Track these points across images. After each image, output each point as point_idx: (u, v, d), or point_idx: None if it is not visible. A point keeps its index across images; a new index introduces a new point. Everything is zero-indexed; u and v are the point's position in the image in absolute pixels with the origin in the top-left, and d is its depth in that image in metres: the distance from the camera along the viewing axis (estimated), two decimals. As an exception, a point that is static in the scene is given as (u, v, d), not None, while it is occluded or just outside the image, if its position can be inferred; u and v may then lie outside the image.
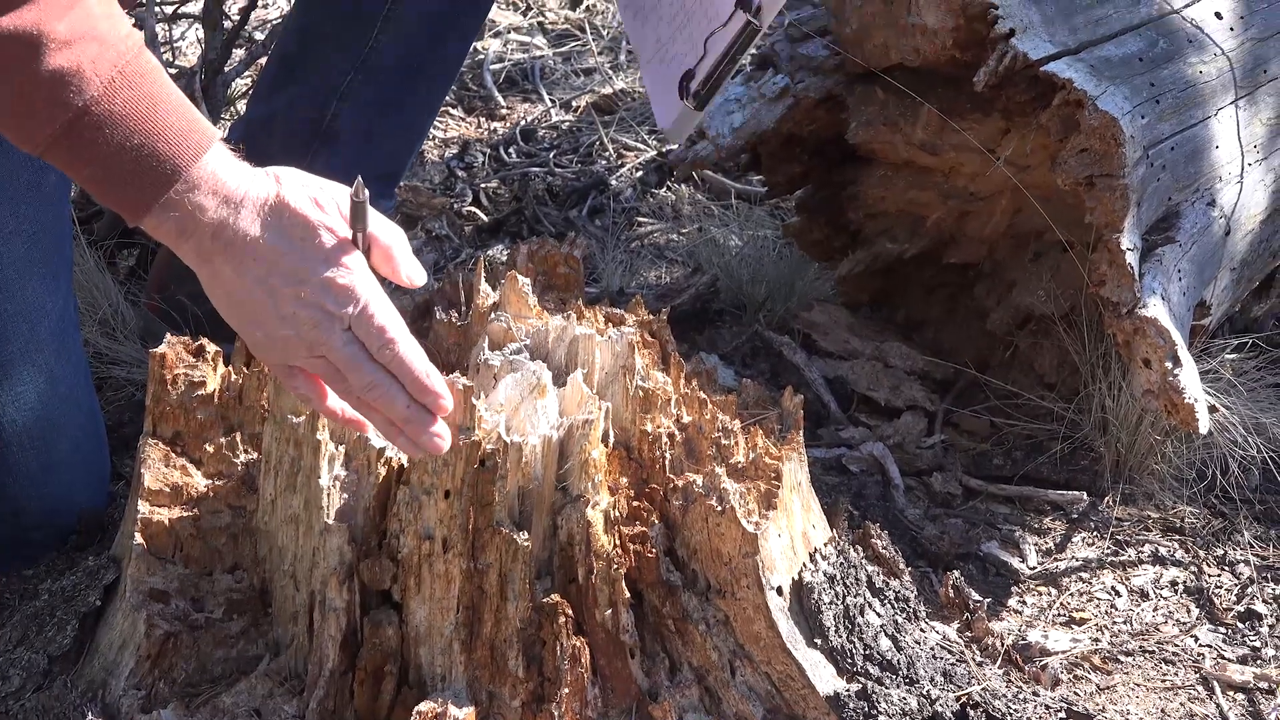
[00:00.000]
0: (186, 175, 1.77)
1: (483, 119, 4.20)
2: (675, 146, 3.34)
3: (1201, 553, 2.68)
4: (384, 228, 1.86)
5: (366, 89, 2.83)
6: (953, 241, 2.99)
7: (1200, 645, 2.49)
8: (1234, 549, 2.68)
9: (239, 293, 1.81)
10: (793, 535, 2.12)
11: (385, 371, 1.82)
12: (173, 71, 3.88)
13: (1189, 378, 2.49)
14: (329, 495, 1.95)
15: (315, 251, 1.82)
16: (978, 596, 2.44)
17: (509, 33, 4.62)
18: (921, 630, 2.25)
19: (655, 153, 3.96)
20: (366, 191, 1.84)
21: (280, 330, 1.81)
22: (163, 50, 4.00)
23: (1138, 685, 2.40)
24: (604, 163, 3.95)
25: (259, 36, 4.00)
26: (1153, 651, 2.47)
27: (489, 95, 4.27)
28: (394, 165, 3.00)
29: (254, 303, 1.81)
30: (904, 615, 2.23)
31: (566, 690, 1.94)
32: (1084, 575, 2.63)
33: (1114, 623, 2.53)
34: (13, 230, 2.29)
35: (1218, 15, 2.81)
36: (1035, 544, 2.69)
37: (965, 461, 2.87)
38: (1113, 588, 2.61)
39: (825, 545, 2.19)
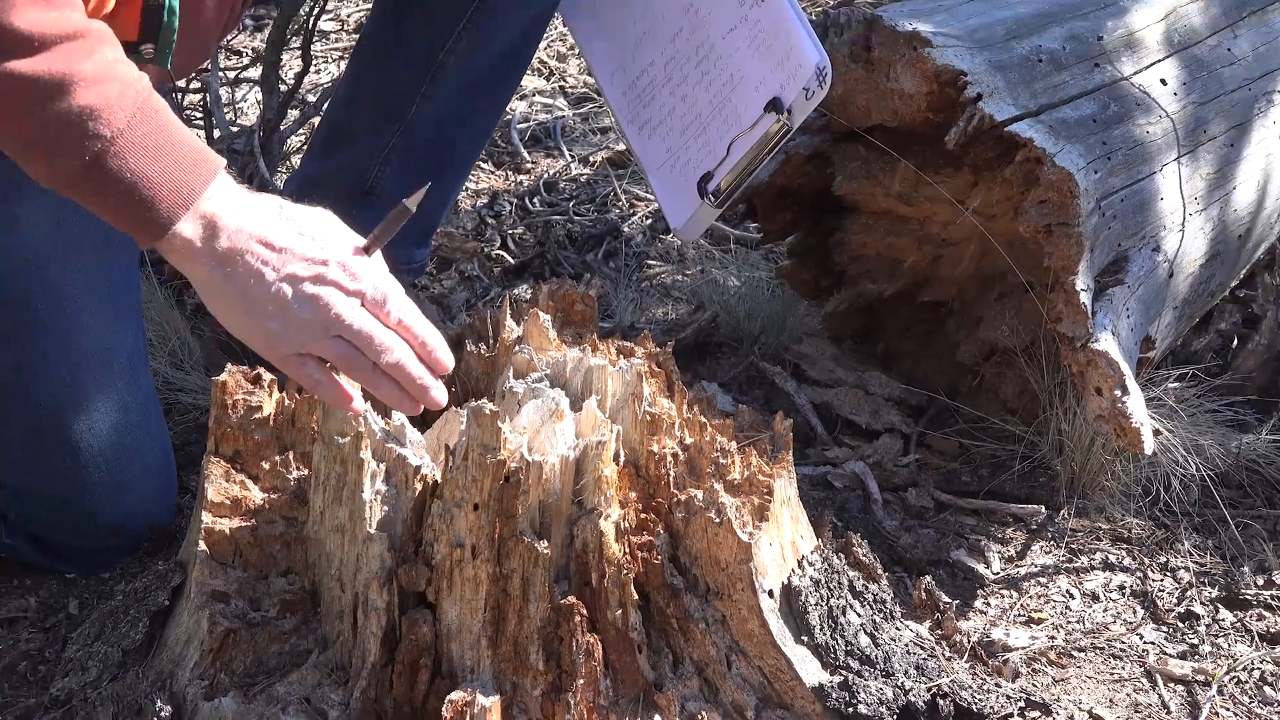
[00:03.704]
0: (205, 193, 1.80)
1: (510, 172, 4.21)
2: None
3: (1146, 560, 2.68)
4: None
5: (406, 154, 2.84)
6: (927, 282, 3.00)
7: (1145, 643, 2.49)
8: (1175, 557, 2.68)
9: (255, 289, 1.82)
10: (783, 544, 2.12)
11: (397, 337, 1.86)
12: (235, 129, 3.91)
13: (1136, 404, 2.50)
14: (371, 508, 1.96)
15: (327, 240, 1.86)
16: (947, 599, 2.44)
17: (534, 95, 4.62)
18: (897, 629, 2.25)
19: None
20: (413, 210, 1.90)
21: (300, 314, 1.82)
22: (225, 110, 4.02)
23: (1089, 678, 2.40)
24: (617, 212, 3.95)
25: (311, 99, 4.01)
26: (1102, 648, 2.47)
27: (516, 151, 4.28)
28: (431, 219, 3.01)
29: (271, 295, 1.82)
30: (881, 615, 2.23)
31: (581, 681, 1.95)
32: (1042, 580, 2.63)
33: (1068, 622, 2.53)
34: (86, 279, 2.31)
35: (1163, 82, 2.81)
36: (999, 552, 2.69)
37: (937, 478, 2.87)
38: (1067, 591, 2.61)
39: (812, 553, 2.19)
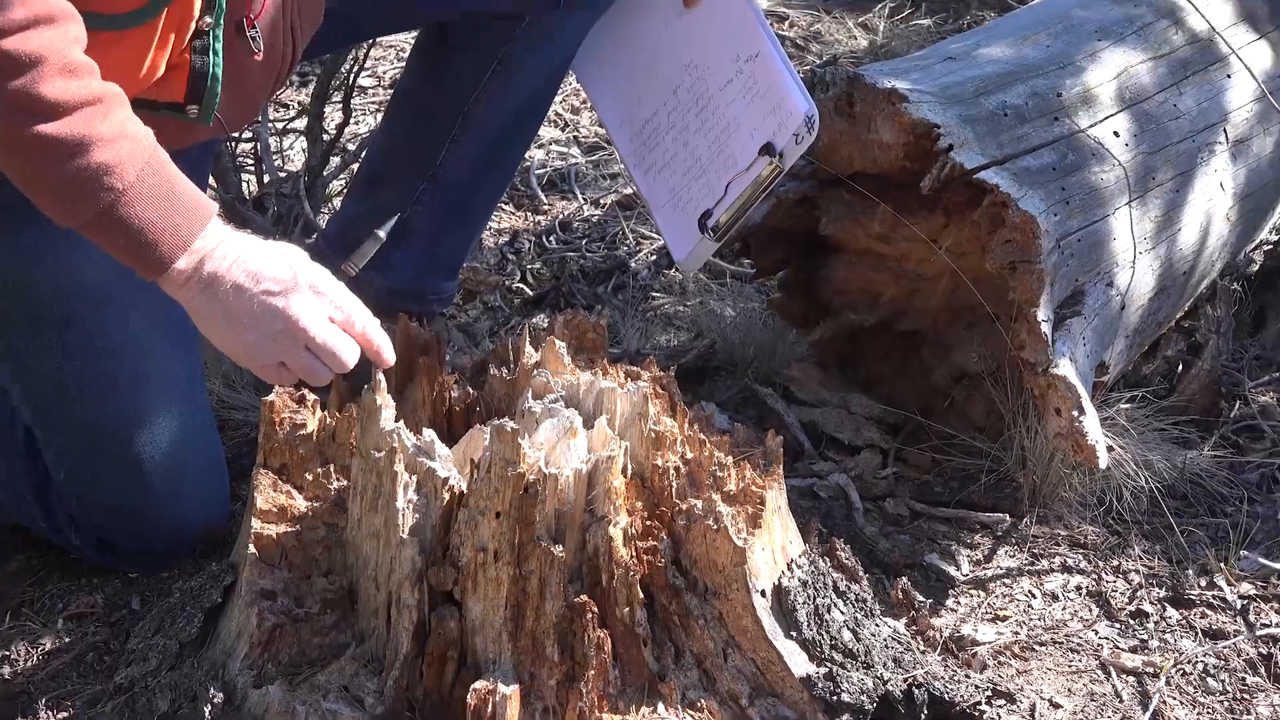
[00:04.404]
0: (201, 234, 1.90)
1: (529, 213, 4.21)
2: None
3: (1101, 563, 2.68)
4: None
5: (435, 197, 2.85)
6: (903, 313, 3.00)
7: (1099, 638, 2.48)
8: (1127, 561, 2.68)
9: (234, 305, 1.93)
10: (774, 549, 2.13)
11: (355, 344, 1.99)
12: (283, 174, 3.91)
13: (1091, 424, 2.50)
14: (404, 515, 1.97)
15: (297, 265, 1.96)
16: (921, 598, 2.45)
17: (550, 144, 4.63)
18: (876, 625, 2.25)
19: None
20: (384, 238, 2.17)
21: (273, 325, 1.93)
22: (274, 157, 4.03)
23: (1049, 670, 2.40)
24: (625, 249, 3.95)
25: (351, 147, 4.02)
26: (1061, 643, 2.47)
27: (534, 194, 4.28)
28: (457, 256, 3.01)
29: (248, 309, 1.93)
30: (862, 613, 2.23)
31: (592, 672, 1.95)
32: (1006, 581, 2.63)
33: (1030, 619, 2.53)
34: (144, 306, 2.32)
35: (1115, 134, 2.82)
36: (968, 555, 2.69)
37: (912, 489, 2.86)
38: (1029, 591, 2.61)
39: (800, 556, 2.19)
